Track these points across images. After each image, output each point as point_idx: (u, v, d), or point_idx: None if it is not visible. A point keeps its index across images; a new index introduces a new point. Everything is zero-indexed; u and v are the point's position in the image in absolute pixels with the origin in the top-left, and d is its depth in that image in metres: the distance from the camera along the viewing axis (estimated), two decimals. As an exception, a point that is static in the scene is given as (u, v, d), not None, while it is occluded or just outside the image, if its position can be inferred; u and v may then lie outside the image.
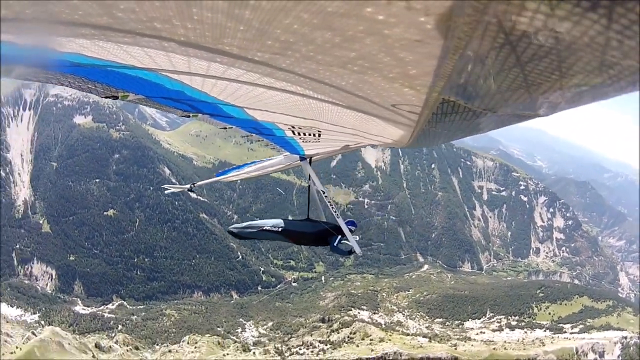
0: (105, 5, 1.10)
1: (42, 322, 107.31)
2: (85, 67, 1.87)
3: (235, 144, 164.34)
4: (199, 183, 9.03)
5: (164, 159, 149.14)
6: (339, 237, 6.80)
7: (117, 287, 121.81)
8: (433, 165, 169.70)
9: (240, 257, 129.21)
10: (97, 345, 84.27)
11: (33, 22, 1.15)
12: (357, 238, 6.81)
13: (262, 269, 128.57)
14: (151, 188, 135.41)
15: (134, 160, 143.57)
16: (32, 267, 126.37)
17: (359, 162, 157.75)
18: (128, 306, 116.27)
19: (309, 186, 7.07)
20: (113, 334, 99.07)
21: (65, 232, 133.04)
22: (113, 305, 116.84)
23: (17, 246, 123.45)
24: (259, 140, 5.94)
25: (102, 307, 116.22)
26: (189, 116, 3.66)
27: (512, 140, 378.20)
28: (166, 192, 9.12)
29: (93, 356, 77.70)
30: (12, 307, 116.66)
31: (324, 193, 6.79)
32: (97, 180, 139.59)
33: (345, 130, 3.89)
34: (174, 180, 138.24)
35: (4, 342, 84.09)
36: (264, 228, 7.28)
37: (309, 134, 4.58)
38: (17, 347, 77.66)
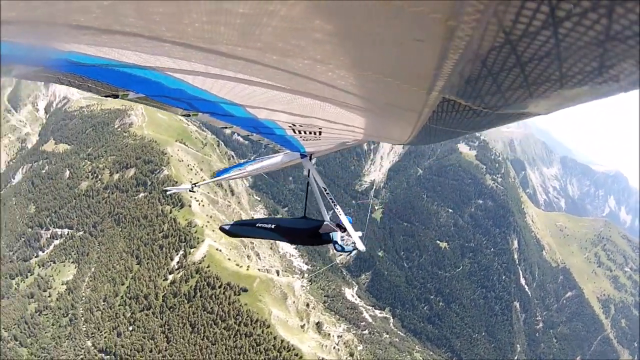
0: (105, 6, 1.10)
1: (305, 274, 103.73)
2: (85, 66, 1.84)
3: (586, 259, 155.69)
4: (200, 183, 8.97)
5: (520, 231, 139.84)
6: (339, 232, 6.57)
7: (396, 304, 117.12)
8: None
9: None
10: (317, 324, 79.17)
11: (32, 22, 1.13)
12: (361, 234, 6.55)
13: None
14: (492, 249, 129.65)
15: (493, 215, 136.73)
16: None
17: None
18: (391, 325, 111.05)
19: (308, 182, 7.05)
20: (350, 330, 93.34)
21: (390, 231, 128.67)
22: (381, 313, 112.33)
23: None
24: (259, 139, 5.92)
25: (369, 307, 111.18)
26: (189, 115, 3.64)
27: None
28: (167, 193, 9.04)
29: (302, 326, 73.84)
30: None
31: (325, 190, 6.76)
32: (451, 210, 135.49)
33: (345, 128, 3.88)
34: (515, 256, 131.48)
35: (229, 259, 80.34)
36: (257, 225, 7.14)
37: (310, 132, 4.57)
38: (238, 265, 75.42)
